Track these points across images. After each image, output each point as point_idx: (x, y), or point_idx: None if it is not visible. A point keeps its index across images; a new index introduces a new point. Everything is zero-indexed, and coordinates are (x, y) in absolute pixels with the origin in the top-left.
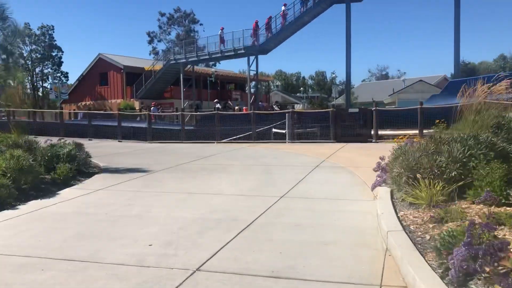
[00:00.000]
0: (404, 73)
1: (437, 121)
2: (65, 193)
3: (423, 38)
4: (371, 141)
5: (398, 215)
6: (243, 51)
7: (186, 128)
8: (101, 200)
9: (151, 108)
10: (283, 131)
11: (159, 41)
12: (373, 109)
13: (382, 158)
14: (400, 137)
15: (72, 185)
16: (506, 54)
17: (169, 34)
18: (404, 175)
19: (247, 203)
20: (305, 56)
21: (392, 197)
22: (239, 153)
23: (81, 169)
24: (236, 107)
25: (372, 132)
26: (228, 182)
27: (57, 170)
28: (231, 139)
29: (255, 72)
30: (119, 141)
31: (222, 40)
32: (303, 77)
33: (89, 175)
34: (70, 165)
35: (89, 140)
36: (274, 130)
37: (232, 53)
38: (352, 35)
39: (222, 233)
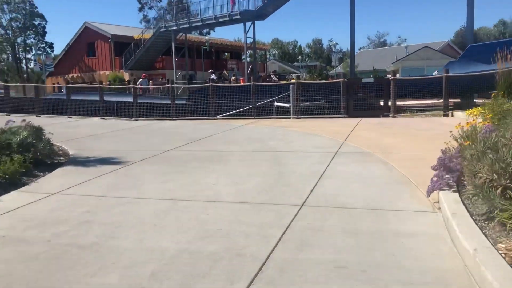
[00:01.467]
0: (405, 39)
1: (493, 93)
2: (7, 200)
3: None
4: (388, 115)
5: (498, 249)
6: (238, 17)
7: (177, 102)
8: (51, 213)
9: (140, 80)
10: (287, 105)
11: (149, 8)
12: (390, 78)
13: (444, 152)
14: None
15: (23, 184)
16: (507, 19)
17: (160, 1)
18: (500, 183)
19: (255, 219)
20: (301, 24)
21: (469, 212)
22: (239, 133)
23: (43, 160)
24: (232, 78)
25: (390, 105)
26: (226, 179)
27: (0, 166)
28: (228, 115)
29: (251, 40)
30: (101, 119)
31: (233, 1)
32: (300, 46)
33: (51, 167)
34: (23, 157)
35: (68, 117)
36: (276, 103)
37: (227, 18)
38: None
39: None
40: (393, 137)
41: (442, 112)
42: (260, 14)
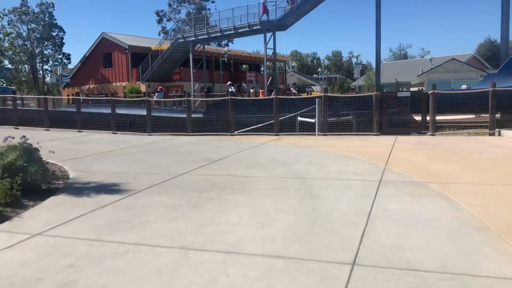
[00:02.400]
0: (428, 52)
1: None
2: None
3: (443, 15)
4: (425, 133)
5: None
6: (259, 27)
7: (193, 116)
8: (23, 267)
9: (156, 94)
10: (312, 120)
11: (168, 20)
12: (429, 92)
13: None
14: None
15: (4, 219)
16: None
17: (179, 13)
18: None
19: (293, 286)
20: (320, 36)
21: None
22: (261, 154)
23: (38, 185)
24: (252, 90)
25: (428, 122)
26: (250, 217)
27: None
28: (248, 130)
29: (271, 51)
30: (113, 133)
31: (265, 10)
32: (318, 58)
33: (44, 195)
34: (9, 184)
35: (78, 131)
36: (299, 118)
37: (247, 29)
38: (371, 13)
39: None
40: (442, 162)
41: (487, 131)
42: (281, 24)
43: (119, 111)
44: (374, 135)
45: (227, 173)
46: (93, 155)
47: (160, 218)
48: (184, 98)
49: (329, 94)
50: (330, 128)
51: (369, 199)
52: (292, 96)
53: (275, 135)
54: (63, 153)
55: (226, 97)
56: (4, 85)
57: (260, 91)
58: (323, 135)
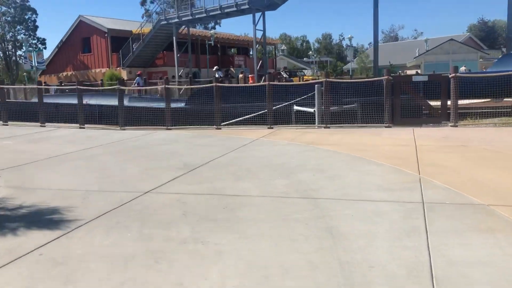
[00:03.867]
0: (422, 33)
1: None
2: None
3: None
4: (446, 124)
5: None
6: (247, 6)
7: (174, 106)
8: None
9: (136, 79)
10: (311, 110)
11: (152, 2)
12: (450, 76)
13: None
14: None
15: None
16: None
17: None
18: None
19: None
20: (309, 18)
21: None
22: (254, 155)
23: None
24: (240, 75)
25: (450, 111)
26: (241, 280)
27: None
28: (237, 122)
29: (261, 33)
30: (80, 127)
31: None
32: (307, 41)
33: None
34: None
35: (41, 126)
36: (296, 108)
37: (234, 9)
38: None
39: None
40: (491, 167)
41: None
42: (271, 3)
43: (91, 101)
44: (386, 127)
45: (209, 190)
46: (44, 160)
47: (98, 285)
48: (161, 86)
49: (331, 79)
50: (332, 119)
51: (419, 240)
52: (287, 82)
53: (269, 127)
54: (8, 157)
55: (211, 84)
56: None
57: (250, 76)
58: (324, 127)
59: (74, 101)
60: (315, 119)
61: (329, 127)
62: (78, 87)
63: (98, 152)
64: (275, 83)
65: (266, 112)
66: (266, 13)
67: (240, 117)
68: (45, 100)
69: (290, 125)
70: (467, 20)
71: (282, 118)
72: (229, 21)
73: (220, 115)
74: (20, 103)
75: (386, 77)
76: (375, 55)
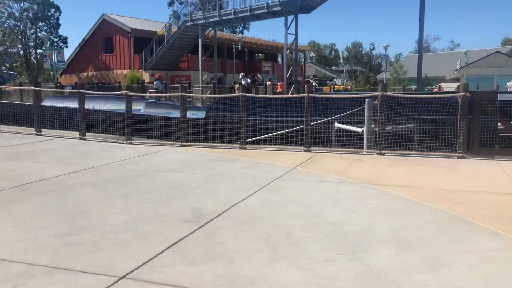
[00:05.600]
0: (458, 44)
1: None
2: None
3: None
4: None
5: None
6: (279, 8)
7: (192, 117)
8: None
9: (154, 83)
10: (358, 130)
11: (180, 3)
12: None
13: None
14: None
15: None
16: None
17: None
18: None
19: None
20: (337, 26)
21: None
22: (293, 201)
23: None
24: (268, 82)
25: None
26: None
27: None
28: (265, 139)
29: (293, 38)
30: (81, 138)
31: None
32: (336, 49)
33: None
34: None
35: (35, 133)
36: (337, 125)
37: (265, 10)
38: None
39: None
40: None
41: None
42: (306, 6)
43: (99, 106)
44: (459, 157)
45: (225, 281)
46: (7, 190)
47: None
48: (178, 93)
49: (390, 93)
50: (386, 142)
51: None
52: (331, 96)
53: (306, 150)
54: None
55: (237, 94)
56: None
57: (278, 83)
58: (377, 153)
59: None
60: (362, 142)
61: (383, 154)
62: (80, 90)
63: (83, 180)
64: (316, 95)
65: (301, 129)
66: (300, 15)
67: (269, 132)
68: (52, 103)
69: (331, 147)
70: (499, 34)
71: (320, 137)
72: (256, 26)
73: (245, 132)
74: (18, 105)
75: (463, 93)
76: (419, 66)
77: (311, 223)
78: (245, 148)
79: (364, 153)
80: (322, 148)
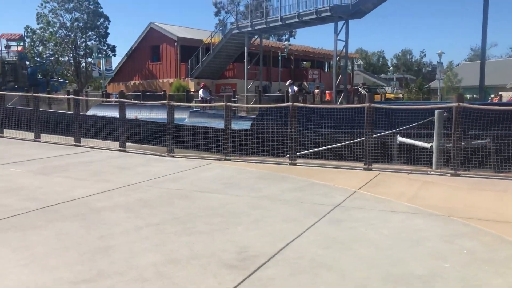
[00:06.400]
0: None
1: None
2: None
3: None
4: None
5: None
6: (329, 14)
7: (238, 127)
8: None
9: (200, 91)
10: (426, 145)
11: (226, 12)
12: None
13: None
14: None
15: None
16: None
17: (238, 5)
18: None
19: None
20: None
21: None
22: (362, 241)
23: None
24: (316, 90)
25: None
26: None
27: None
28: (317, 153)
29: (342, 44)
30: (120, 150)
31: None
32: (383, 57)
33: None
34: None
35: (74, 144)
36: (399, 139)
37: (314, 16)
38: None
39: None
40: None
41: None
42: (357, 11)
43: (143, 115)
44: None
45: None
46: (32, 212)
47: None
48: (223, 103)
49: (467, 104)
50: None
51: None
52: (396, 106)
53: (366, 167)
54: None
55: (287, 104)
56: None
57: (327, 92)
58: (452, 174)
59: (128, 113)
60: (429, 159)
61: (458, 175)
62: (120, 99)
63: (114, 202)
64: (378, 105)
65: (357, 142)
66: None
67: (320, 145)
68: (98, 111)
69: (395, 165)
70: None
71: (380, 153)
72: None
73: (296, 146)
74: (58, 113)
75: None
76: (482, 74)
77: (392, 275)
78: (295, 164)
79: (433, 172)
80: (384, 166)
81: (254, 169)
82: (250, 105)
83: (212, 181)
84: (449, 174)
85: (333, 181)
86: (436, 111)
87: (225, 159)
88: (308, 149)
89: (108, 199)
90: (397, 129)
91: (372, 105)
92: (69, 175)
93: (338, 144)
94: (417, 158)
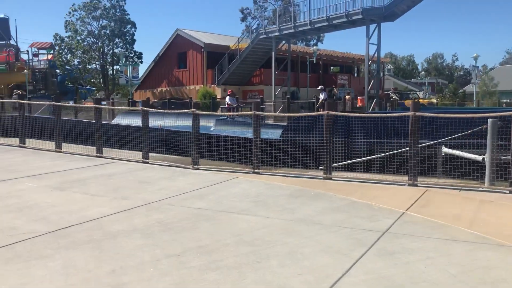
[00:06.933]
0: None
1: None
2: None
3: None
4: None
5: None
6: (360, 17)
7: (267, 137)
8: None
9: (227, 98)
10: (478, 158)
11: (253, 18)
12: None
13: None
14: None
15: None
16: None
17: (265, 10)
18: None
19: None
20: (415, 36)
21: None
22: (417, 278)
23: None
24: (347, 96)
25: None
26: None
27: None
28: (354, 163)
29: (375, 48)
30: (143, 161)
31: None
32: (413, 61)
33: None
34: None
35: (96, 155)
36: (445, 150)
37: (344, 19)
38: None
39: None
40: None
41: None
42: (390, 13)
43: (168, 123)
44: None
45: None
46: (40, 237)
47: None
48: (250, 112)
49: None
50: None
51: None
52: (445, 115)
53: (410, 183)
54: None
55: (321, 112)
56: (87, 86)
57: (359, 97)
58: (510, 192)
59: (153, 121)
60: (479, 172)
61: None
62: (143, 108)
63: (132, 225)
64: (424, 113)
65: (399, 153)
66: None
67: (356, 157)
68: (124, 119)
69: (442, 180)
70: None
71: (424, 165)
72: (328, 37)
73: (331, 157)
74: (80, 122)
75: None
76: None
77: None
78: (330, 178)
79: (486, 189)
80: (430, 180)
81: (284, 183)
82: (283, 113)
83: (240, 199)
84: (507, 191)
85: (376, 200)
86: (489, 120)
87: (254, 172)
88: (342, 161)
89: (125, 220)
90: (445, 138)
91: (417, 113)
92: (87, 191)
93: (378, 155)
94: (464, 172)
